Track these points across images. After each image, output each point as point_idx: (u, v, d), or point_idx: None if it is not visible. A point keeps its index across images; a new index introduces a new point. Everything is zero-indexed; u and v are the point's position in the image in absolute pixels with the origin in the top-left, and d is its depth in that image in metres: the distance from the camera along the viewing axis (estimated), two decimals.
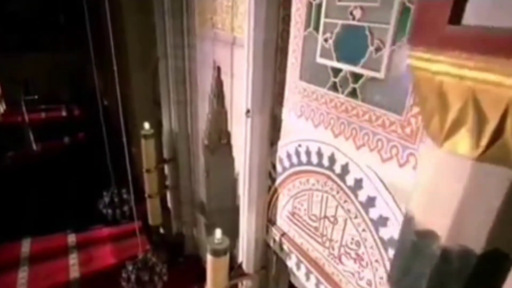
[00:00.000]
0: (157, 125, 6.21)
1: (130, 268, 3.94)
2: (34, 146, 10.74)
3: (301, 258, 2.97)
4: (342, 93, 2.23)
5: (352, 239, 2.40)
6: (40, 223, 6.96)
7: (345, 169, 2.29)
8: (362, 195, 2.19)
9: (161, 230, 6.73)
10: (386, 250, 2.10)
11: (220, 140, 5.11)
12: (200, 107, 5.13)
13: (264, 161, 3.17)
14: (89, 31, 5.82)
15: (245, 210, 3.45)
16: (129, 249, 5.77)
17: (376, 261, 2.21)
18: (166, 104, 5.58)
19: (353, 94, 2.15)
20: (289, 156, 2.89)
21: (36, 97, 14.22)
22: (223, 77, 4.21)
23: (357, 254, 2.39)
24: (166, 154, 6.14)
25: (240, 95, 3.44)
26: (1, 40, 9.97)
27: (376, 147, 2.02)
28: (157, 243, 6.21)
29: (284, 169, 3.00)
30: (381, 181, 2.03)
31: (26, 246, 6.34)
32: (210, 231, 5.83)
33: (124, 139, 4.35)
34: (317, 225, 2.77)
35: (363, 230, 2.27)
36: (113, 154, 5.59)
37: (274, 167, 3.15)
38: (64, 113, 13.64)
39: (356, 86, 2.11)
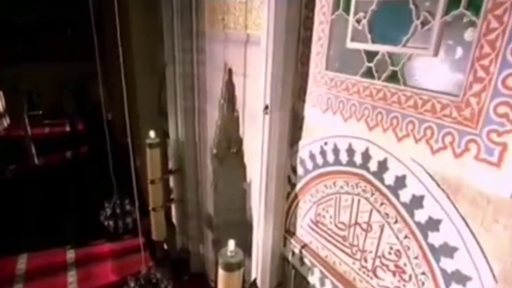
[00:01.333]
0: (162, 136, 5.97)
1: (132, 284, 3.59)
2: (36, 160, 10.53)
3: (326, 273, 2.62)
4: (379, 78, 1.96)
5: (391, 248, 2.08)
6: (38, 238, 6.62)
7: (382, 165, 2.00)
8: (405, 195, 1.89)
9: (165, 246, 6.36)
10: (437, 259, 1.77)
11: (230, 149, 4.85)
12: (209, 114, 4.89)
13: (283, 164, 2.88)
14: (96, 42, 5.70)
15: (260, 221, 3.13)
16: (131, 266, 5.40)
17: (423, 273, 1.88)
18: (173, 111, 5.35)
19: (392, 78, 1.88)
20: (312, 156, 2.60)
21: (40, 112, 14.15)
22: (235, 79, 3.99)
23: (397, 266, 2.06)
24: (171, 165, 5.87)
25: (254, 97, 3.23)
26: (5, 51, 9.92)
27: (424, 136, 1.73)
28: (160, 260, 5.84)
29: (306, 172, 2.70)
30: (431, 176, 1.74)
31: (22, 262, 5.97)
32: (217, 247, 5.47)
33: (130, 143, 4.13)
34: (345, 234, 2.44)
35: (406, 236, 1.95)
36: (116, 166, 5.38)
37: (294, 170, 2.86)
38: (67, 128, 13.51)
39: (397, 68, 1.85)
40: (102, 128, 5.47)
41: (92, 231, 6.27)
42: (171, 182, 6.26)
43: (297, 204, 2.92)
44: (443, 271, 1.76)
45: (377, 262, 2.21)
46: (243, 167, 4.57)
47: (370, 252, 2.25)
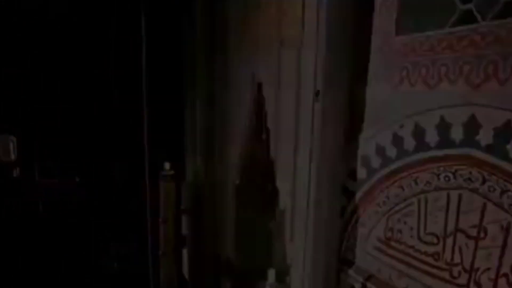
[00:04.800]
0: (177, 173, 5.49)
1: None
2: (41, 208, 9.97)
3: None
4: (483, 19, 1.50)
5: None
6: None
7: (503, 132, 1.43)
8: None
9: None
10: None
11: (255, 180, 4.29)
12: (231, 139, 4.43)
13: (337, 168, 2.31)
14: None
15: (307, 249, 2.45)
16: None
17: None
18: (191, 143, 4.92)
19: (509, 10, 1.42)
20: (380, 150, 2.04)
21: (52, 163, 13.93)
22: (266, 91, 3.59)
23: None
24: (186, 203, 5.27)
25: (289, 106, 2.85)
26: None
27: None
28: None
29: (371, 173, 2.12)
30: None
31: None
32: None
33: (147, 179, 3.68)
34: (438, 250, 1.77)
35: None
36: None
37: (352, 175, 2.27)
38: (77, 179, 13.11)
39: None
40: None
41: (89, 284, 5.50)
42: (184, 227, 5.63)
43: (356, 221, 2.28)
44: None
45: (500, 285, 1.51)
46: (271, 200, 3.96)
47: (486, 270, 1.56)
